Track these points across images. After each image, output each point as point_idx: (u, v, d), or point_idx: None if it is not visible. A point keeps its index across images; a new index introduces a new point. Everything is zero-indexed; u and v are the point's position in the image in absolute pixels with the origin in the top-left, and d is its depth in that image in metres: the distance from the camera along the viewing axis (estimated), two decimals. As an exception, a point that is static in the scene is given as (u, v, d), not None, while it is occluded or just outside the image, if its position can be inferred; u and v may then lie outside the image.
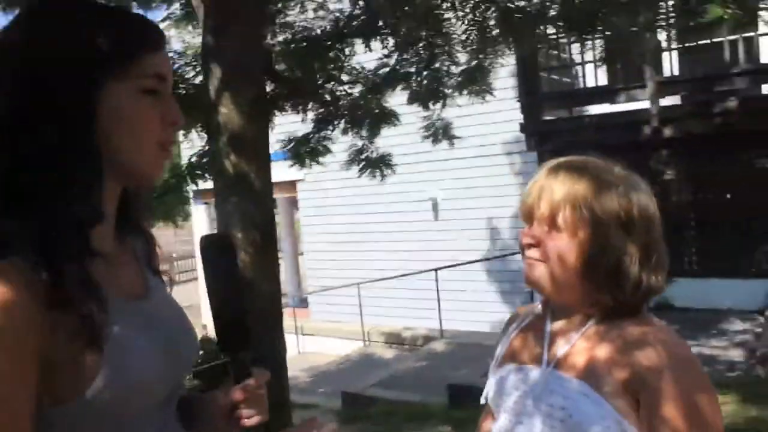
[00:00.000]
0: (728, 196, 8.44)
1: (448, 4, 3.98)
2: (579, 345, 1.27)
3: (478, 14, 3.64)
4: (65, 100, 0.93)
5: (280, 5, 4.95)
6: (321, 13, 5.11)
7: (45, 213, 0.91)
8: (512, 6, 3.61)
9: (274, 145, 4.33)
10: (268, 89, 3.83)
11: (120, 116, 0.97)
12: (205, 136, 4.12)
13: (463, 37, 4.22)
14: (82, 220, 0.93)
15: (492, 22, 3.61)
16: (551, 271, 1.26)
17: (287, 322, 4.27)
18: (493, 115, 9.45)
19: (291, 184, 11.73)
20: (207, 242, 1.07)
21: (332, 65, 4.76)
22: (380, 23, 4.60)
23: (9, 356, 0.84)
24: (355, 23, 4.65)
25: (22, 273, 0.86)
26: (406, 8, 3.95)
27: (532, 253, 1.28)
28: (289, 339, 4.96)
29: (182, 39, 6.03)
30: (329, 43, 4.58)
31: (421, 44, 5.06)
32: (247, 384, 1.06)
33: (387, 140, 6.12)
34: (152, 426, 1.01)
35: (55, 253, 0.88)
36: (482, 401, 1.47)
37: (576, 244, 1.24)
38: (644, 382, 1.18)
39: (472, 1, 3.96)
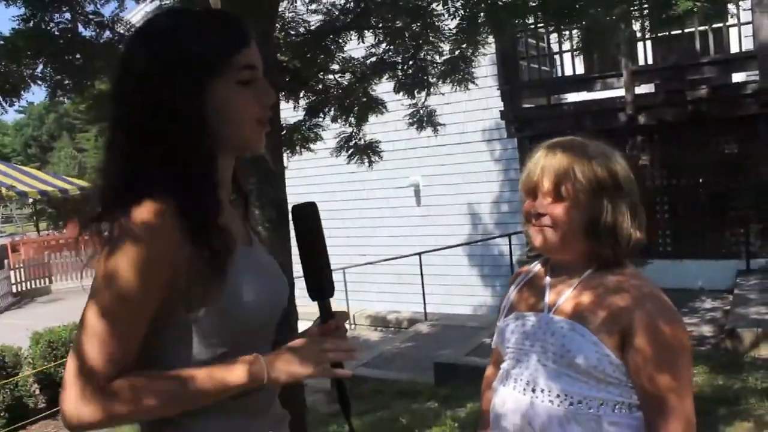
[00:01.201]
0: (699, 180, 8.62)
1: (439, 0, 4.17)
2: (571, 294, 1.51)
3: (468, 10, 3.85)
4: (181, 103, 1.16)
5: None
6: (312, 6, 5.28)
7: (183, 178, 1.15)
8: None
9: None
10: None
11: (224, 107, 1.20)
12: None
13: (454, 30, 4.42)
14: (209, 185, 1.18)
15: (481, 14, 3.81)
16: (558, 234, 1.49)
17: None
18: (474, 103, 9.62)
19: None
20: (297, 209, 1.29)
21: (325, 56, 4.94)
22: (372, 19, 4.77)
23: (144, 280, 1.10)
24: (349, 17, 4.82)
25: (173, 214, 1.11)
26: (401, 3, 4.13)
27: (541, 221, 1.51)
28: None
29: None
30: (326, 35, 4.75)
31: (407, 34, 5.23)
32: (332, 322, 1.30)
33: (369, 127, 6.25)
34: (254, 349, 1.23)
35: (195, 204, 1.14)
36: (493, 346, 1.73)
37: (579, 209, 1.47)
38: (620, 319, 1.43)
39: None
